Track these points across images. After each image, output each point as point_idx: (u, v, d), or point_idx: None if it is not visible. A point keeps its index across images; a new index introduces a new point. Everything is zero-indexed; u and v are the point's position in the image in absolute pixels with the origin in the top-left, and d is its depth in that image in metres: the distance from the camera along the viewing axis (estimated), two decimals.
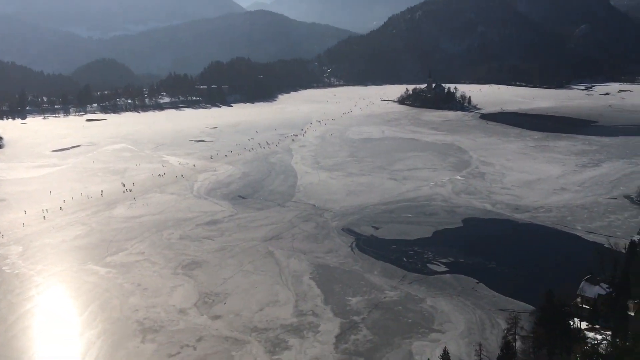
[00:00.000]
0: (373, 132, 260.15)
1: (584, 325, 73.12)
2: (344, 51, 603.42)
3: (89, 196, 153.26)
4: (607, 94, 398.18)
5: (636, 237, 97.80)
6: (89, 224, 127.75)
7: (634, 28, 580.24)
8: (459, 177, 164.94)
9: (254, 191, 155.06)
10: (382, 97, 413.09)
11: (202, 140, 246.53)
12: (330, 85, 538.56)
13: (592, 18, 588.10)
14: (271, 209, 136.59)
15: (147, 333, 75.08)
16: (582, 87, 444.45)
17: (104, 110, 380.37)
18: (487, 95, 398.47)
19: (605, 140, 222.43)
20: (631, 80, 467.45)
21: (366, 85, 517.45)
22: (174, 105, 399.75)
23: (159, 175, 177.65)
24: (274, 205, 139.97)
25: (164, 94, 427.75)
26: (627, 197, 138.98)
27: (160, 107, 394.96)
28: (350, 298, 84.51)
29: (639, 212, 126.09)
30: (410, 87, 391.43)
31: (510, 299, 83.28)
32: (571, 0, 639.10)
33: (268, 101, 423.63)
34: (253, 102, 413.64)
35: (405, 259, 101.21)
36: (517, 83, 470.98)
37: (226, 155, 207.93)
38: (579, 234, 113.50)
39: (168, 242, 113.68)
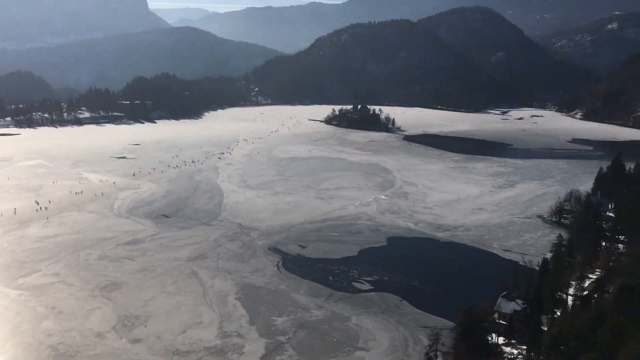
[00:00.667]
0: (300, 151, 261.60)
1: (501, 340, 76.05)
2: (271, 70, 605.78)
3: (0, 214, 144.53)
4: (521, 118, 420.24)
5: (548, 255, 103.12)
6: (0, 244, 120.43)
7: (545, 58, 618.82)
8: (383, 197, 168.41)
9: (178, 210, 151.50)
10: (310, 116, 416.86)
11: (124, 157, 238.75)
12: (257, 104, 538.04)
13: (507, 47, 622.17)
14: (196, 228, 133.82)
15: (61, 359, 71.08)
16: (498, 112, 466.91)
17: (19, 124, 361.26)
18: (410, 117, 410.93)
19: (520, 162, 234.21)
20: (542, 106, 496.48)
21: (293, 104, 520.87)
22: (94, 121, 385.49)
23: (77, 192, 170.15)
24: (199, 224, 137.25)
25: (84, 108, 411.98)
26: (540, 216, 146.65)
27: (80, 122, 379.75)
28: (276, 318, 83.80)
29: (551, 231, 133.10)
30: (337, 107, 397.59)
31: (432, 316, 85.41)
32: (488, 29, 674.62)
33: (194, 118, 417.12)
34: (178, 119, 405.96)
35: (331, 278, 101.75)
36: (438, 106, 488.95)
37: (149, 173, 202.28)
38: (495, 252, 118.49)
39: (85, 263, 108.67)
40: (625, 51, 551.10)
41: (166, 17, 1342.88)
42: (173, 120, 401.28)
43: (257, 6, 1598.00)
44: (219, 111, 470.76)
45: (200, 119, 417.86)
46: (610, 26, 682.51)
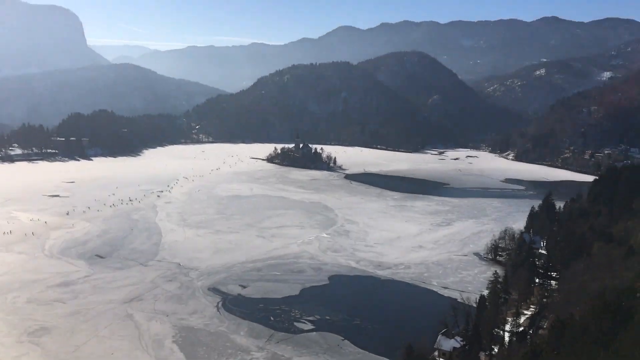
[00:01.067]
0: (242, 189, 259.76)
1: None
2: (213, 108, 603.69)
3: None
4: (457, 158, 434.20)
5: (485, 292, 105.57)
6: None
7: (478, 101, 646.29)
8: (325, 235, 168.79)
9: (114, 250, 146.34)
10: (251, 155, 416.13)
11: (57, 196, 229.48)
12: (198, 141, 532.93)
13: (443, 90, 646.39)
14: (132, 268, 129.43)
15: None
16: (435, 152, 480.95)
17: None
18: (351, 156, 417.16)
19: (456, 201, 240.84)
20: (477, 147, 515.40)
21: (235, 142, 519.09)
22: (26, 158, 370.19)
23: (5, 233, 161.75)
24: (135, 264, 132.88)
25: (16, 145, 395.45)
26: (477, 254, 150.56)
27: (11, 159, 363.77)
28: None
29: (487, 268, 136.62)
30: (279, 146, 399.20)
31: (374, 355, 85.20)
32: (424, 73, 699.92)
33: (132, 156, 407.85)
34: (116, 157, 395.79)
35: (272, 318, 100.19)
36: (378, 146, 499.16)
37: (84, 212, 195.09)
38: (435, 289, 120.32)
39: (13, 307, 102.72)
40: (552, 96, 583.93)
41: (105, 54, 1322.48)
42: (110, 158, 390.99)
43: (199, 45, 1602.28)
44: (159, 149, 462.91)
45: (139, 157, 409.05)
46: (538, 72, 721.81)
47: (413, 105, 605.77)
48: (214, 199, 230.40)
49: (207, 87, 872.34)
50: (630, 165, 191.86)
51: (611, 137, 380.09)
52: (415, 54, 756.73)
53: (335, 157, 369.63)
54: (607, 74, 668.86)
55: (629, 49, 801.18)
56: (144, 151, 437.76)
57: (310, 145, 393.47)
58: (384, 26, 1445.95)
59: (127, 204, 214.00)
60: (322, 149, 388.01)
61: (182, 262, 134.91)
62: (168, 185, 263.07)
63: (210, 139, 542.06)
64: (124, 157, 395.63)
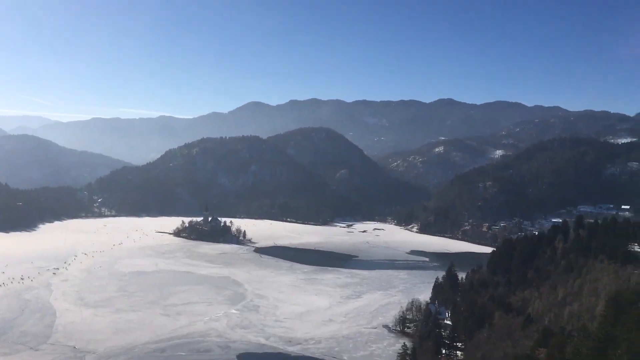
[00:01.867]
0: (146, 264, 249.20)
1: None
2: (117, 181, 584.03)
3: None
4: (364, 231, 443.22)
5: None
6: None
7: (383, 175, 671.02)
8: (234, 311, 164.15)
9: (1, 333, 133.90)
10: (157, 229, 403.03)
11: None
12: (100, 215, 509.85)
13: (350, 165, 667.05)
14: (21, 353, 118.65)
15: None
16: (344, 225, 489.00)
17: None
18: (261, 229, 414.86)
19: (365, 273, 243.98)
20: (383, 220, 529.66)
21: (140, 216, 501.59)
22: None
23: None
24: (25, 349, 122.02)
25: None
26: (386, 326, 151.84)
27: None
28: None
29: (396, 340, 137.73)
30: (187, 219, 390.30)
31: None
32: (332, 148, 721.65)
33: (27, 230, 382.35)
34: (8, 232, 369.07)
35: None
36: (288, 219, 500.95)
37: None
38: None
39: None
40: (451, 171, 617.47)
41: (3, 125, 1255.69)
42: (2, 233, 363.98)
43: (104, 117, 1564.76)
44: (57, 223, 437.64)
45: (34, 231, 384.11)
46: (437, 149, 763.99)
47: (322, 179, 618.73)
48: (116, 276, 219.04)
49: (112, 160, 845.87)
50: (524, 237, 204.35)
51: (506, 211, 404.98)
52: (323, 130, 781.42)
53: (245, 231, 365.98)
54: (499, 152, 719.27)
55: (518, 130, 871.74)
56: (40, 226, 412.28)
57: (219, 219, 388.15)
58: (293, 103, 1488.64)
59: (18, 282, 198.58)
60: (231, 222, 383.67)
61: (78, 345, 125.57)
62: (65, 262, 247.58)
63: (114, 213, 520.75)
64: (18, 233, 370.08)
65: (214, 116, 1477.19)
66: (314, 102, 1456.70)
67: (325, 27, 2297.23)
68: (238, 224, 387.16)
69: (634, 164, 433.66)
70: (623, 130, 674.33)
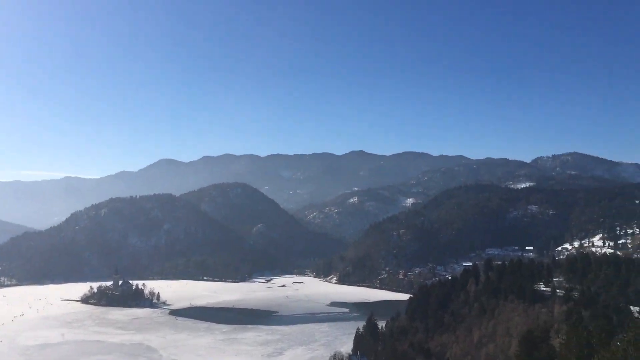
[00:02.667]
0: (51, 336, 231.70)
1: None
2: (18, 248, 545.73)
3: None
4: (284, 285, 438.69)
5: None
6: None
7: (300, 228, 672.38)
8: None
9: None
10: (63, 296, 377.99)
11: None
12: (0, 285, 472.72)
13: (267, 219, 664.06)
14: None
15: None
16: (263, 280, 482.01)
17: None
18: (176, 290, 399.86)
19: (286, 329, 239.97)
20: (302, 272, 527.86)
21: (44, 284, 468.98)
22: None
23: None
24: None
25: None
26: None
27: None
28: None
29: None
30: (95, 284, 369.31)
31: None
32: (248, 203, 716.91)
33: None
34: None
35: None
36: (205, 278, 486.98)
37: None
38: None
39: None
40: (366, 221, 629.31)
41: None
42: None
43: (3, 180, 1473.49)
44: None
45: None
46: (351, 200, 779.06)
47: (238, 235, 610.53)
48: (17, 350, 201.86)
49: (12, 225, 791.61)
50: (438, 282, 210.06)
51: (420, 257, 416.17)
52: (238, 185, 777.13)
53: (158, 293, 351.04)
54: (410, 200, 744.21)
55: (426, 178, 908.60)
56: None
57: (130, 282, 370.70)
58: (206, 159, 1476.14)
59: None
60: (144, 284, 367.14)
61: None
62: None
63: (14, 282, 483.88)
64: None
65: (123, 175, 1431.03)
66: (228, 158, 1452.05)
67: (235, 81, 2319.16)
68: (151, 286, 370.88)
69: (533, 207, 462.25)
70: (521, 175, 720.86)
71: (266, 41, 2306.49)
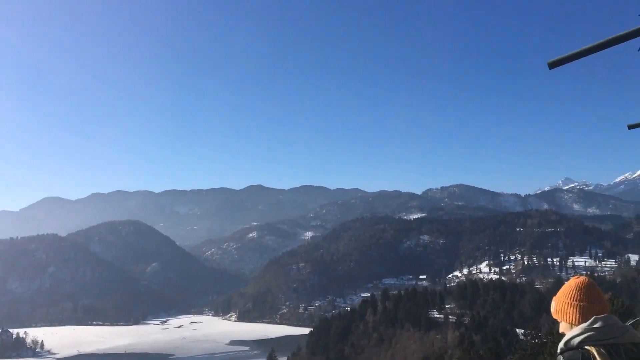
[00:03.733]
0: None
1: None
2: None
3: None
4: (180, 326, 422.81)
5: None
6: None
7: (198, 265, 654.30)
8: None
9: None
10: None
11: None
12: None
13: (162, 257, 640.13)
14: None
15: None
16: (158, 322, 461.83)
17: None
18: (62, 337, 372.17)
19: None
20: (200, 312, 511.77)
21: None
22: None
23: None
24: None
25: None
26: None
27: None
28: None
29: None
30: None
31: None
32: (141, 241, 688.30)
33: None
34: None
35: None
36: (94, 322, 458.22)
37: None
38: None
39: None
40: (265, 256, 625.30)
41: None
42: None
43: None
44: None
45: None
46: (250, 235, 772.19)
47: (131, 275, 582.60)
48: None
49: None
50: (337, 315, 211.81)
51: (320, 290, 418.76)
52: (130, 223, 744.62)
53: (42, 341, 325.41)
54: (309, 234, 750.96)
55: (324, 211, 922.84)
56: None
57: (10, 331, 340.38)
58: (96, 196, 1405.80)
59: None
60: (26, 333, 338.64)
61: None
62: None
63: None
64: None
65: (3, 215, 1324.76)
66: (119, 194, 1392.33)
67: (127, 114, 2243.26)
68: (34, 334, 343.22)
69: (425, 237, 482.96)
70: (413, 207, 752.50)
71: (153, 71, 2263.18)
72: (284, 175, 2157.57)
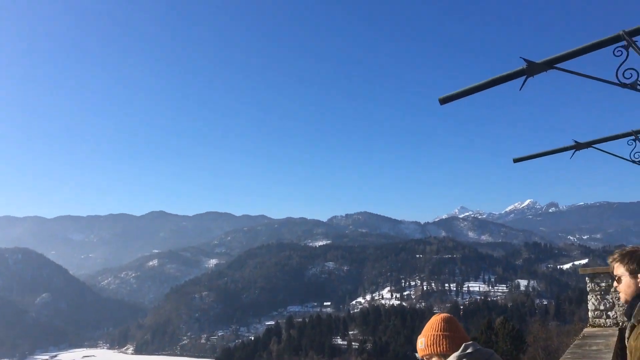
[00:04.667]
0: None
1: None
2: None
3: None
4: None
5: None
6: None
7: (93, 295, 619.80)
8: None
9: None
10: None
11: None
12: None
13: (53, 287, 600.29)
14: None
15: None
16: (47, 357, 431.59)
17: None
18: None
19: None
20: (94, 345, 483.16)
21: None
22: None
23: None
24: None
25: None
26: None
27: None
28: None
29: None
30: None
31: None
32: (30, 270, 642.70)
33: None
34: None
35: None
36: None
37: None
38: None
39: None
40: (166, 284, 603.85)
41: None
42: None
43: None
44: None
45: None
46: (151, 263, 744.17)
47: (18, 307, 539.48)
48: None
49: None
50: (241, 344, 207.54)
51: (223, 319, 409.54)
52: (18, 251, 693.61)
53: None
54: (213, 261, 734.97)
55: (229, 238, 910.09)
56: None
57: None
58: None
59: None
60: None
61: None
62: None
63: None
64: None
65: None
66: (7, 220, 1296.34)
67: (11, 133, 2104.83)
68: None
69: (330, 264, 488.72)
70: (319, 234, 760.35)
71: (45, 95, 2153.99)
72: (188, 201, 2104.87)
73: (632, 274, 4.86)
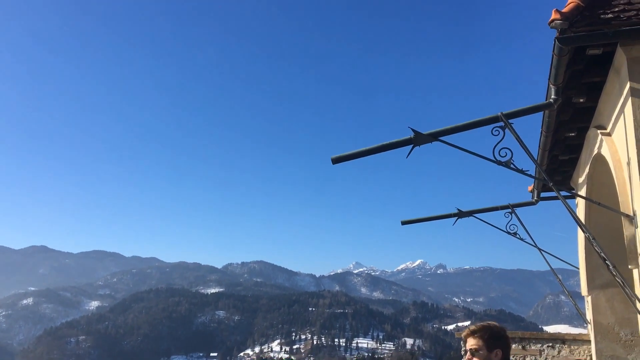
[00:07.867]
0: None
1: None
2: None
3: None
4: None
5: None
6: None
7: None
8: None
9: None
10: None
11: None
12: None
13: None
14: None
15: None
16: None
17: None
18: None
19: None
20: None
21: None
22: None
23: None
24: None
25: None
26: None
27: None
28: None
29: None
30: None
31: None
32: None
33: None
34: None
35: None
36: None
37: None
38: None
39: None
40: (41, 325, 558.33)
41: None
42: None
43: None
44: None
45: None
46: (25, 301, 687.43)
47: None
48: None
49: None
50: None
51: None
52: None
53: None
54: (95, 303, 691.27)
55: (115, 279, 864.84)
56: None
57: None
58: None
59: None
60: None
61: None
62: None
63: None
64: None
65: None
66: None
67: None
68: None
69: (221, 312, 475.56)
70: (212, 280, 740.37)
71: None
72: (73, 238, 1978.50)
73: (489, 349, 4.82)
